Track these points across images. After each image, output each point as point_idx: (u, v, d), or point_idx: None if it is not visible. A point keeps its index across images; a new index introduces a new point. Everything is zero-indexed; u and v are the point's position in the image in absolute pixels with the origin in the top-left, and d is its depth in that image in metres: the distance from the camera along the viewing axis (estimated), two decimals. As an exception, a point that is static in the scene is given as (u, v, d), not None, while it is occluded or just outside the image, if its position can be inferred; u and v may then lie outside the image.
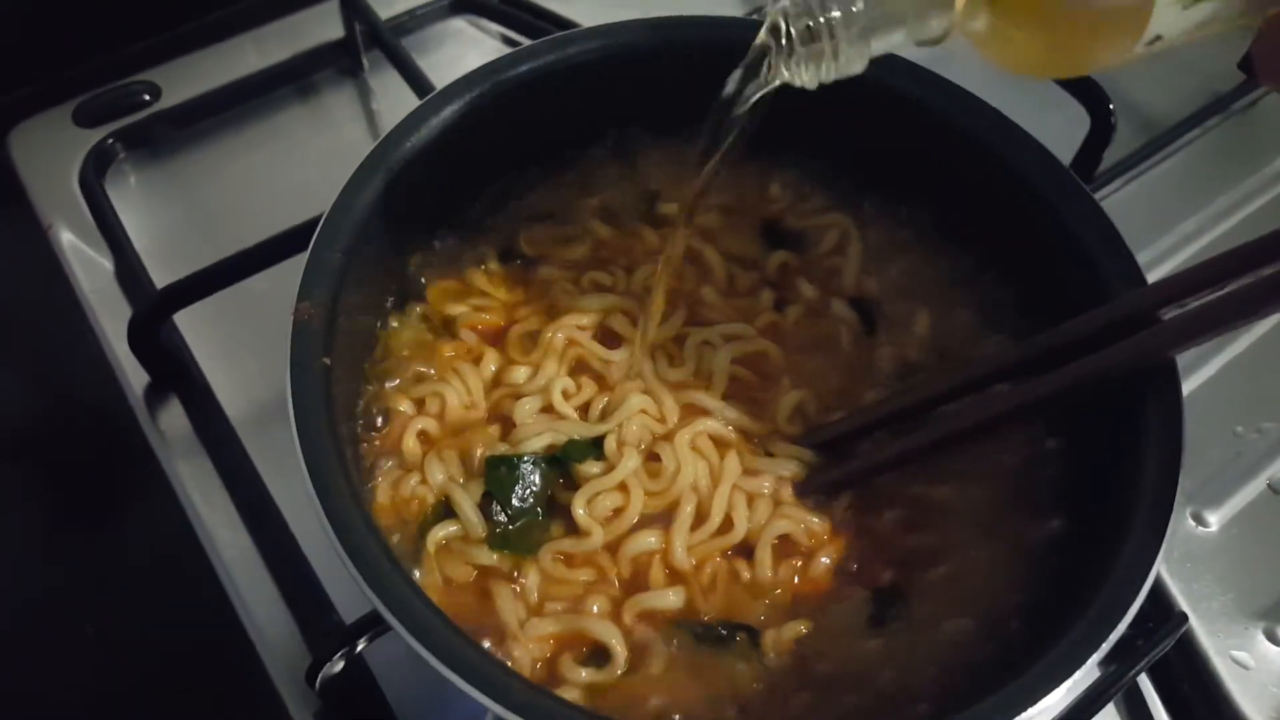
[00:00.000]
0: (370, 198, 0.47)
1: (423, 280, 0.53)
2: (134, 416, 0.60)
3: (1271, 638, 0.55)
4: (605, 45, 0.53)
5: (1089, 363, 0.43)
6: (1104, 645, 0.36)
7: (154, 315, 0.58)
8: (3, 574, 0.58)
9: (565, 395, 0.50)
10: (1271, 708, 0.53)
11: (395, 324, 0.52)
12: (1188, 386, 0.64)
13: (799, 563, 0.47)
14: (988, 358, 0.49)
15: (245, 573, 0.54)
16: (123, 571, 0.58)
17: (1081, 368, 0.43)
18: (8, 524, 0.60)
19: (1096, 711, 0.49)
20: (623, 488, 0.47)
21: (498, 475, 0.47)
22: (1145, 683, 0.55)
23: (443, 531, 0.46)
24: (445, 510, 0.47)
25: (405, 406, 0.49)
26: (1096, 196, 0.52)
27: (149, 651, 0.55)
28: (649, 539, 0.46)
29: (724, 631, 0.44)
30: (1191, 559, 0.57)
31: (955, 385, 0.48)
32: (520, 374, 0.51)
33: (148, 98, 0.73)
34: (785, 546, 0.47)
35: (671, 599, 0.45)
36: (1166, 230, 0.71)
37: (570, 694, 0.42)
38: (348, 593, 0.52)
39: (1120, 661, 0.50)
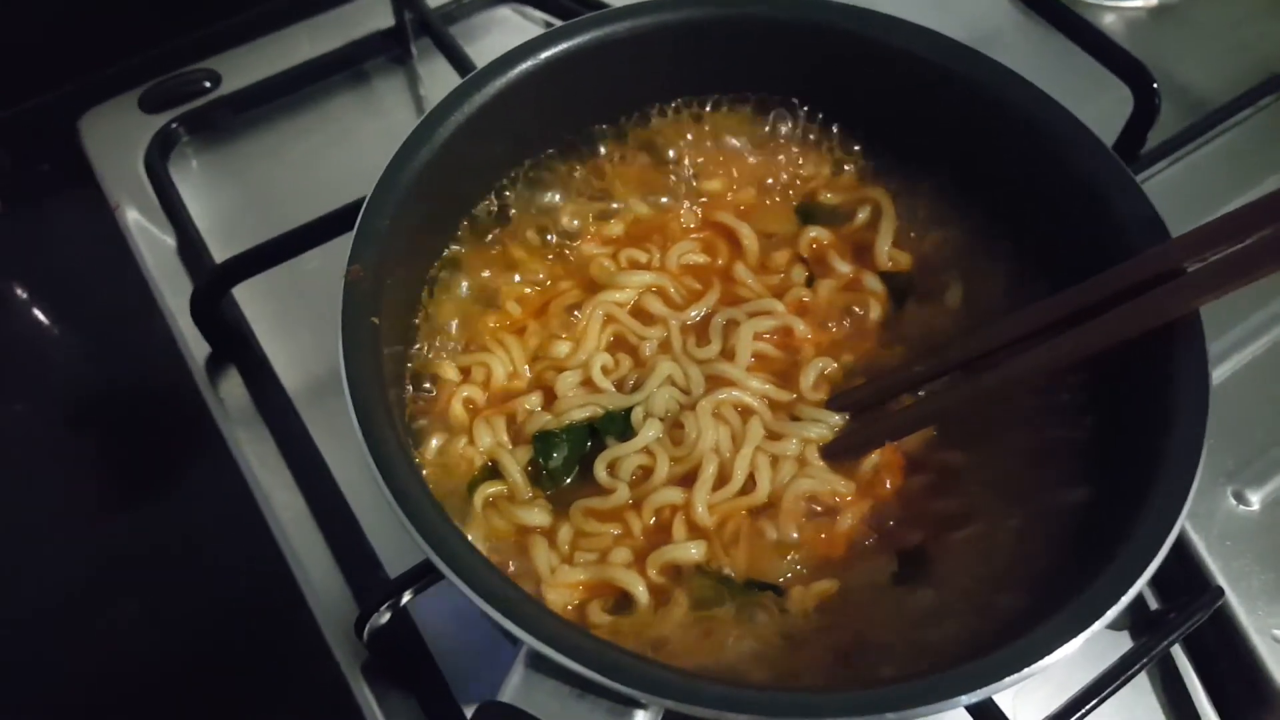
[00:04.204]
0: (415, 170, 0.48)
1: (466, 252, 0.55)
2: (195, 385, 0.62)
3: (1312, 617, 0.54)
4: (639, 23, 0.53)
5: (1114, 317, 0.43)
6: (1121, 600, 0.37)
7: (214, 288, 0.61)
8: (75, 532, 0.62)
9: (604, 371, 0.52)
10: (1311, 686, 0.53)
11: (440, 294, 0.53)
12: (1230, 367, 0.63)
13: (824, 522, 0.47)
14: (1014, 318, 0.48)
15: (299, 532, 0.57)
16: (186, 530, 0.61)
17: (1106, 322, 0.44)
18: (79, 489, 0.64)
19: (1127, 682, 0.49)
20: (648, 453, 0.49)
21: (547, 446, 0.49)
22: (1182, 659, 0.54)
23: (491, 489, 0.48)
24: (491, 471, 0.49)
25: (452, 374, 0.51)
26: (1140, 178, 0.51)
27: (209, 605, 0.58)
28: (671, 494, 0.48)
29: (746, 585, 0.46)
30: (1231, 537, 0.56)
31: (981, 347, 0.48)
32: (563, 349, 0.52)
33: (209, 85, 0.75)
34: (811, 507, 0.48)
35: (693, 552, 0.46)
36: (1211, 213, 0.68)
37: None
38: (394, 550, 0.54)
39: (1152, 633, 0.51)
